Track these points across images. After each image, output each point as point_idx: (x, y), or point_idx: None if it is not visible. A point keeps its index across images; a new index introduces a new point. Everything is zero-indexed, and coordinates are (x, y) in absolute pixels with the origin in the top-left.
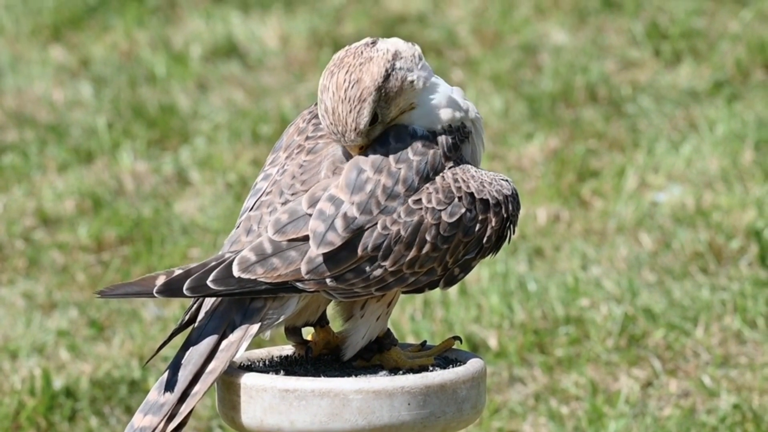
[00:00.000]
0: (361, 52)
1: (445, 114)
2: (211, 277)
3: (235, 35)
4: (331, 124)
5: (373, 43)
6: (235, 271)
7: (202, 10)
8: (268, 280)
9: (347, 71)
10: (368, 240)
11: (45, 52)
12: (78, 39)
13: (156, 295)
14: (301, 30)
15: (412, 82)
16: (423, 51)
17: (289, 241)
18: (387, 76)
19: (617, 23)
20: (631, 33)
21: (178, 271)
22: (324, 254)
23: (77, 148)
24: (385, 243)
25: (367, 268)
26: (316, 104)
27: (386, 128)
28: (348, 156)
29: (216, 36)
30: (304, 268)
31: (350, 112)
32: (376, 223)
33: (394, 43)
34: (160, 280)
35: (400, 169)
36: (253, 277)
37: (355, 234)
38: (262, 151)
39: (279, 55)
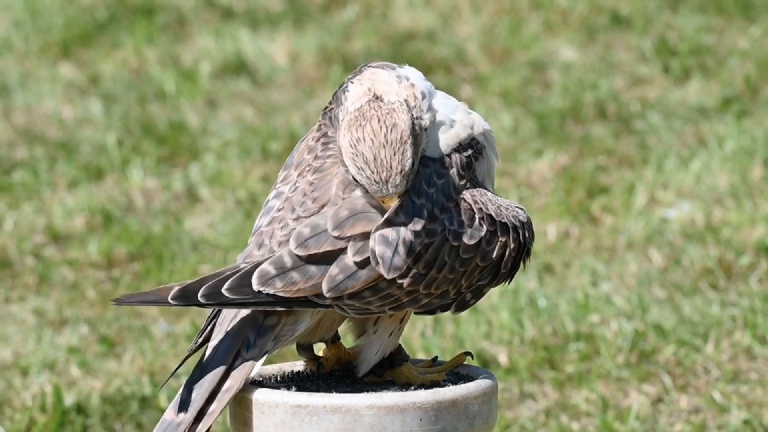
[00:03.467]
0: (379, 106)
1: (452, 139)
2: (226, 286)
3: (244, 52)
4: (373, 173)
5: (377, 97)
6: (255, 285)
7: (212, 28)
8: (288, 295)
9: (378, 120)
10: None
11: (54, 69)
12: (87, 56)
13: (171, 302)
14: (311, 47)
15: (425, 128)
16: (432, 68)
17: (310, 256)
18: (412, 123)
19: (626, 40)
20: (640, 50)
21: (191, 281)
22: (344, 272)
23: (87, 165)
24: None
25: (385, 287)
26: (323, 115)
27: None
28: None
29: (225, 53)
30: (325, 286)
31: (394, 155)
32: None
33: (397, 93)
34: (175, 289)
35: (432, 193)
36: (272, 291)
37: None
38: (272, 167)
39: (288, 72)
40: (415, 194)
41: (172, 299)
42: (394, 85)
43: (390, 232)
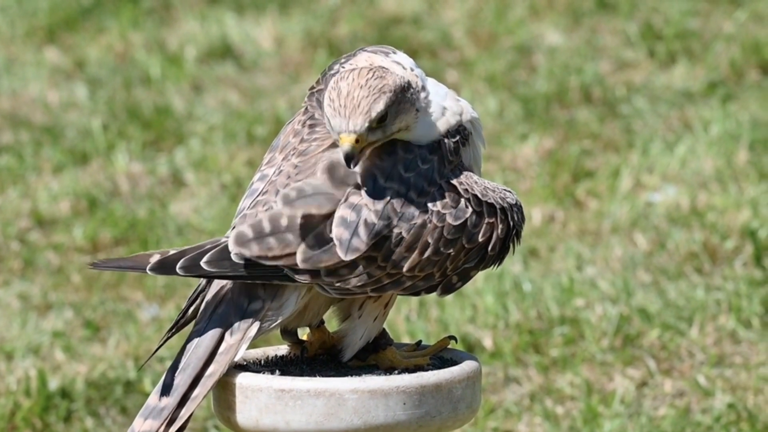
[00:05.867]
0: (378, 66)
1: (442, 125)
2: (205, 258)
3: (229, 37)
4: (341, 105)
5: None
6: (231, 246)
7: (197, 12)
8: (262, 260)
9: (370, 71)
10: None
11: (40, 53)
12: (73, 41)
13: (149, 272)
14: (296, 31)
15: (417, 110)
16: (417, 52)
17: (293, 216)
18: (405, 89)
19: (612, 24)
20: (626, 34)
21: (173, 251)
22: (320, 244)
23: (72, 150)
24: (385, 244)
25: (362, 267)
26: (309, 96)
27: (391, 142)
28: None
29: (211, 37)
30: (300, 256)
31: (367, 96)
32: (392, 230)
33: (402, 74)
34: (155, 258)
35: (410, 177)
36: (247, 254)
37: (377, 240)
38: (257, 152)
39: (274, 57)
40: (383, 176)
41: (150, 270)
42: (398, 69)
43: (349, 213)
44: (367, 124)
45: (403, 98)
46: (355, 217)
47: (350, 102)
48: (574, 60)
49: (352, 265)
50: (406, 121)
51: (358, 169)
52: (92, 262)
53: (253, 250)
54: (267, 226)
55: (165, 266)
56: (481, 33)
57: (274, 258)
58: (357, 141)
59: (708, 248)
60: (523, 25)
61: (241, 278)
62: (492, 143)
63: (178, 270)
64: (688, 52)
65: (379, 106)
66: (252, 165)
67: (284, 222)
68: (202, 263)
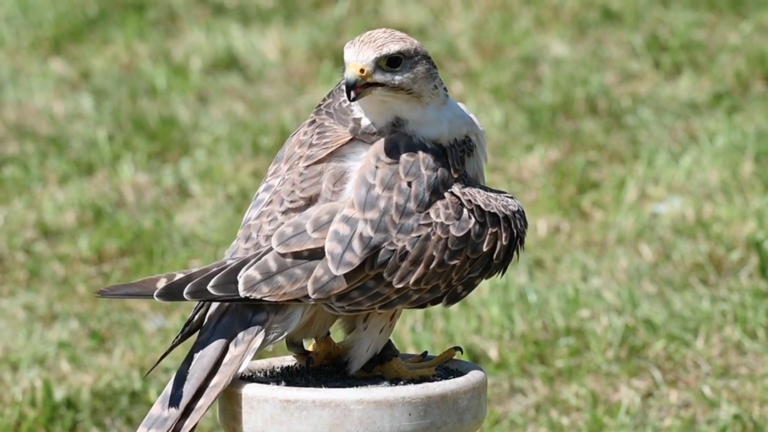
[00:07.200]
0: None
1: (454, 128)
2: (211, 283)
3: (235, 48)
4: (359, 41)
5: None
6: (241, 291)
7: (203, 23)
8: (275, 299)
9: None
10: (376, 257)
11: (45, 64)
12: (78, 51)
13: (156, 298)
14: (301, 42)
15: (436, 86)
16: None
17: (293, 253)
18: (429, 57)
19: (617, 35)
20: (631, 45)
21: (179, 275)
22: (329, 274)
23: (78, 161)
24: (391, 259)
25: (372, 286)
26: (317, 111)
27: (394, 137)
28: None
29: (216, 48)
30: (310, 288)
31: (386, 37)
32: (392, 242)
33: None
34: (161, 283)
35: (410, 184)
36: (258, 296)
37: (372, 253)
38: (263, 163)
39: (279, 68)
40: (386, 187)
41: (157, 296)
42: None
43: (342, 227)
44: (375, 56)
45: (424, 61)
46: (349, 230)
47: (368, 38)
48: (579, 71)
49: (361, 287)
50: (420, 86)
51: (356, 108)
52: (100, 290)
53: (263, 291)
54: (273, 265)
55: (172, 292)
56: (486, 44)
57: (285, 295)
58: (362, 71)
59: (713, 259)
60: (529, 37)
61: (249, 301)
62: (497, 154)
63: (185, 296)
64: (693, 64)
65: (394, 47)
66: (257, 176)
67: (289, 258)
68: (208, 288)
